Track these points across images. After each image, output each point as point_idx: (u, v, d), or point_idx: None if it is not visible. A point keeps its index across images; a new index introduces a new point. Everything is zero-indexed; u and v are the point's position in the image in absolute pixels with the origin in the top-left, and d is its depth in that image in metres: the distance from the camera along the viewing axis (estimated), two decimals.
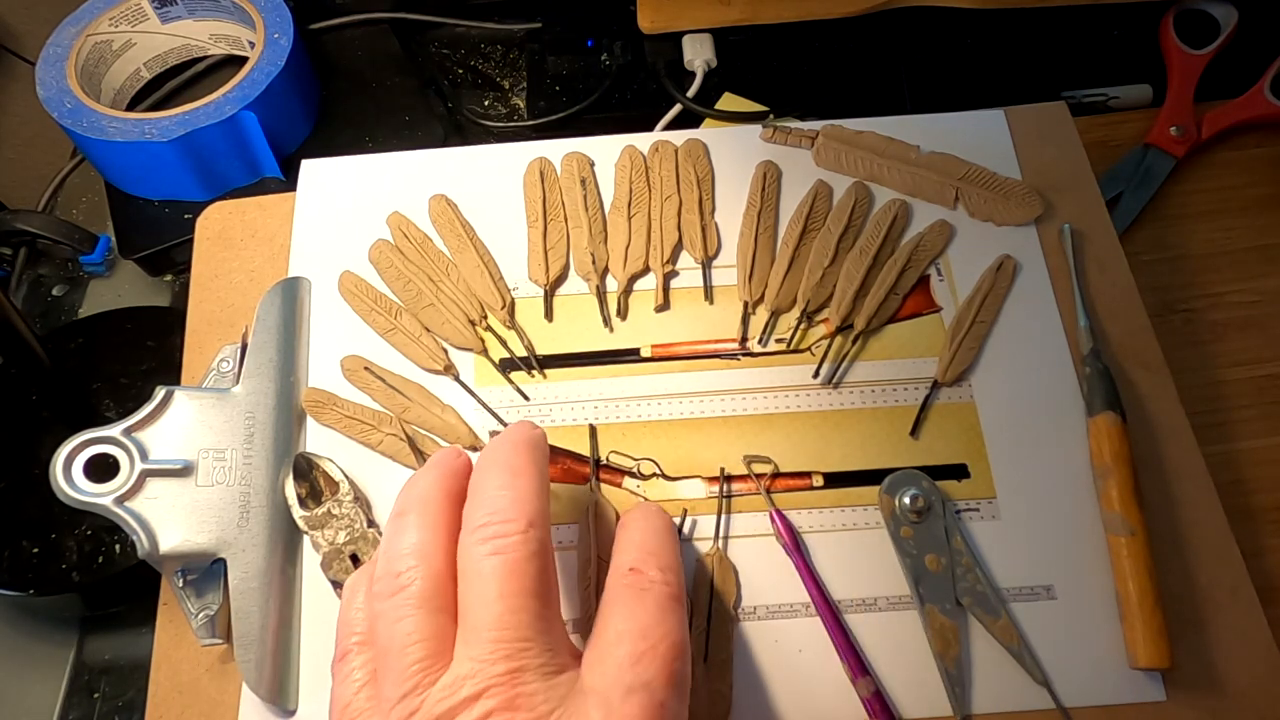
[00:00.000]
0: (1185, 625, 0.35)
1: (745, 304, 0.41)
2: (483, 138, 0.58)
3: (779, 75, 0.58)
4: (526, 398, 0.40)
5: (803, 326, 0.41)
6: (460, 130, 0.59)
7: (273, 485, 0.37)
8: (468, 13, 0.63)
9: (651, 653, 0.27)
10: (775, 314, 0.41)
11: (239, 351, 0.40)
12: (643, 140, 0.45)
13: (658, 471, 0.38)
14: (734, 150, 0.45)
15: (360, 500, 0.37)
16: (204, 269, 0.44)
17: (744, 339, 0.41)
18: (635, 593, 0.29)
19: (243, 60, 0.54)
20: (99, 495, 0.35)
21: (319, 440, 0.39)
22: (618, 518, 0.37)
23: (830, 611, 0.35)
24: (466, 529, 0.28)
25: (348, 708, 0.28)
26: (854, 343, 0.40)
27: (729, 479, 0.38)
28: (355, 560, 0.36)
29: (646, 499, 0.37)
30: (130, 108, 0.59)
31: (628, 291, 0.42)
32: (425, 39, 0.63)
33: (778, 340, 0.41)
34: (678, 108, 0.56)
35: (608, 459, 0.38)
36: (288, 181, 0.53)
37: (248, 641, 0.34)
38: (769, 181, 0.44)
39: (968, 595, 0.35)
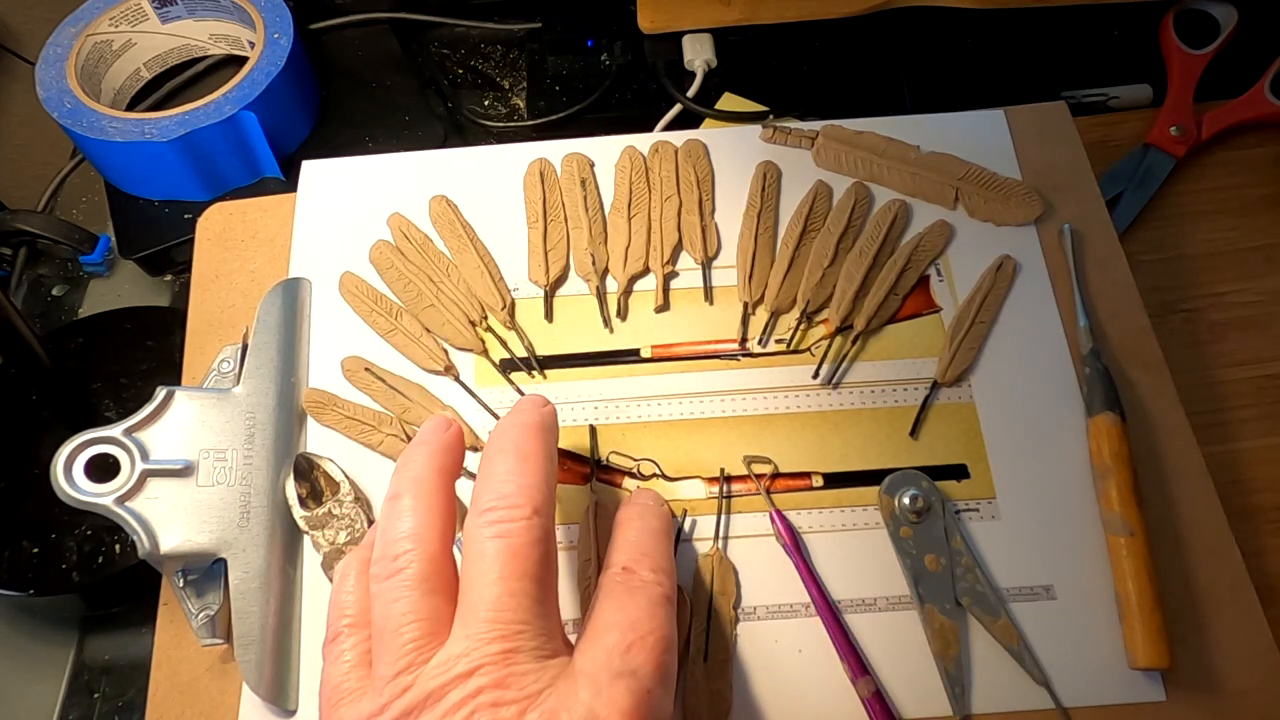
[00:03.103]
0: (1185, 625, 0.35)
1: (745, 304, 0.41)
2: (483, 138, 0.58)
3: (779, 75, 0.58)
4: None
5: (802, 327, 0.41)
6: (460, 130, 0.59)
7: (273, 485, 0.37)
8: (468, 13, 0.63)
9: (640, 643, 0.28)
10: (775, 314, 0.41)
11: (239, 352, 0.40)
12: (643, 140, 0.45)
13: (658, 472, 0.38)
14: (734, 150, 0.45)
15: (361, 500, 0.37)
16: (204, 269, 0.44)
17: (744, 339, 0.41)
18: (627, 590, 0.29)
19: (243, 60, 0.54)
20: (99, 495, 0.35)
21: (319, 440, 0.39)
22: None
23: (830, 611, 0.35)
24: (473, 511, 0.29)
25: (338, 688, 0.28)
26: (854, 343, 0.40)
27: (729, 479, 0.38)
28: None
29: None
30: (130, 108, 0.59)
31: (628, 292, 0.42)
32: (425, 39, 0.63)
33: (777, 341, 0.41)
34: (678, 108, 0.56)
35: (608, 459, 0.38)
36: (288, 181, 0.53)
37: (248, 641, 0.34)
38: (769, 182, 0.44)
39: (967, 595, 0.35)
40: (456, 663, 0.26)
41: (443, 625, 0.27)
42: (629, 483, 0.38)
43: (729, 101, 0.56)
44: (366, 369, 0.40)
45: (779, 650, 0.35)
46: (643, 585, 0.30)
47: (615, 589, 0.30)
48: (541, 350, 0.41)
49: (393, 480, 0.31)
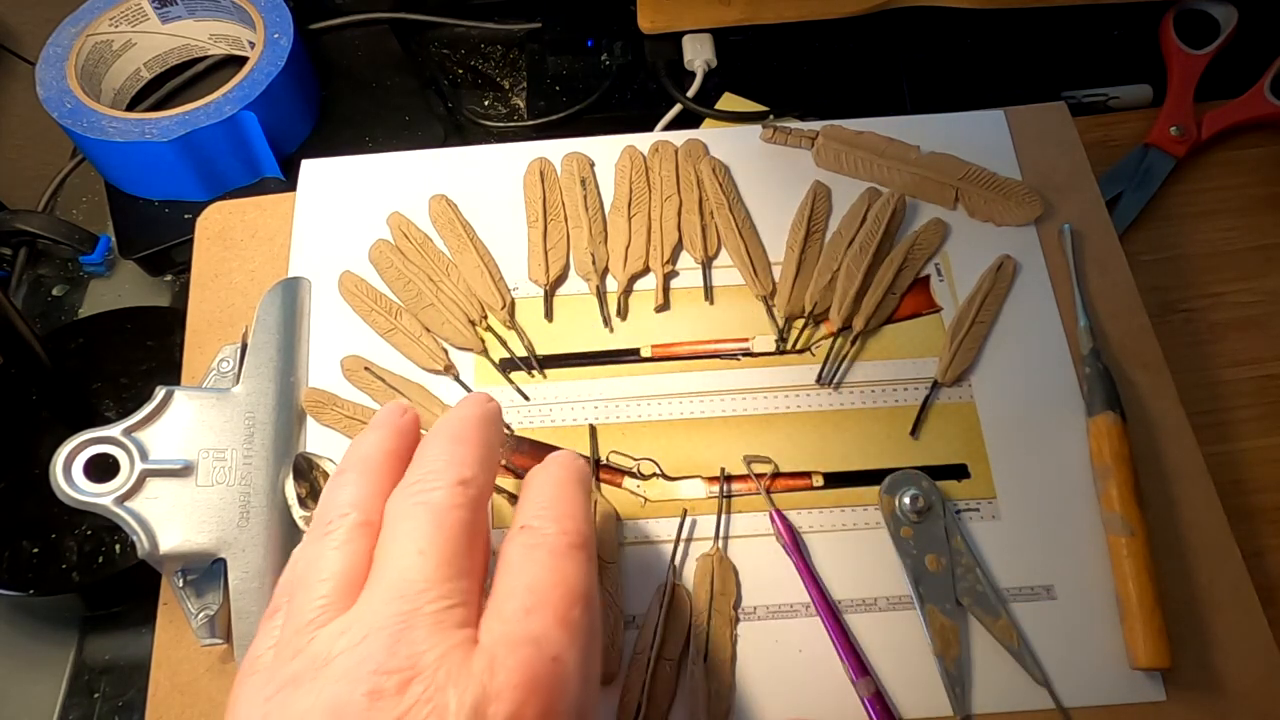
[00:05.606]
0: (1185, 625, 0.35)
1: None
2: (483, 138, 0.58)
3: (779, 75, 0.58)
4: (526, 398, 0.40)
5: (808, 329, 0.41)
6: (460, 130, 0.59)
7: (273, 485, 0.37)
8: (468, 13, 0.63)
9: (542, 605, 0.25)
10: (790, 319, 0.41)
11: (239, 351, 0.40)
12: (643, 140, 0.45)
13: (658, 471, 0.38)
14: (734, 150, 0.45)
15: None
16: (204, 269, 0.44)
17: (782, 338, 0.40)
18: (525, 549, 0.27)
19: (243, 60, 0.54)
20: (99, 495, 0.35)
21: (319, 440, 0.39)
22: (618, 517, 0.37)
23: (830, 611, 0.35)
24: (400, 486, 0.28)
25: (255, 660, 0.26)
26: (853, 343, 0.40)
27: (729, 479, 0.38)
28: None
29: (647, 498, 0.37)
30: (130, 108, 0.59)
31: (628, 291, 0.42)
32: (425, 39, 0.63)
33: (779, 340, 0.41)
34: (678, 108, 0.56)
35: (608, 459, 0.38)
36: (288, 181, 0.53)
37: (247, 641, 0.34)
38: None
39: (968, 595, 0.35)
40: (352, 625, 0.24)
41: (357, 590, 0.26)
42: (629, 482, 0.38)
43: (729, 101, 0.56)
44: (366, 368, 0.40)
45: (779, 650, 0.35)
46: (542, 540, 0.27)
47: (512, 552, 0.27)
48: (541, 350, 0.41)
49: (342, 459, 0.30)
